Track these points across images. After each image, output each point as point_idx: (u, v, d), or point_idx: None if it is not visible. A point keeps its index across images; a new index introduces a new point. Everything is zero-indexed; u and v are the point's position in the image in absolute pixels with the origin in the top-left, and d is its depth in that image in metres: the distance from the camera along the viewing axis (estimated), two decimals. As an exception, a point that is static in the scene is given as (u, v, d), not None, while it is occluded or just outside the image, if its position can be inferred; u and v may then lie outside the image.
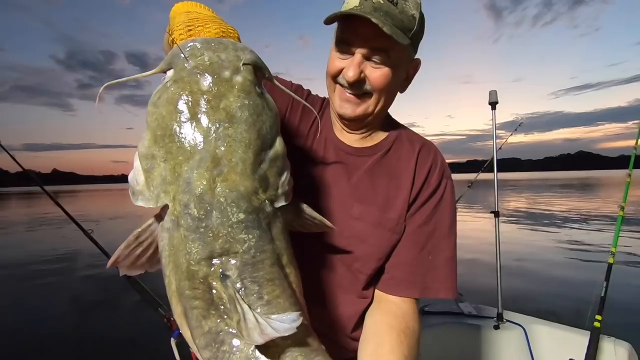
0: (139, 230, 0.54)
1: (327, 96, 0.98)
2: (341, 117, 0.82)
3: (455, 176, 0.98)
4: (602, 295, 1.82)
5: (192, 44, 0.51)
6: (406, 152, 0.87)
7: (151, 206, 0.50)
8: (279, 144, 0.54)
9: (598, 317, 1.77)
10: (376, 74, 0.75)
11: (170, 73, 0.51)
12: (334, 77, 0.79)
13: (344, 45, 0.75)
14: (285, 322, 0.44)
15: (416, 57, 0.81)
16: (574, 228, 10.21)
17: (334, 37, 0.78)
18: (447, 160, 0.91)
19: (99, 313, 4.71)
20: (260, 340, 0.42)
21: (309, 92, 0.95)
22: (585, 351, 1.73)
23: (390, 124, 0.91)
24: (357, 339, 0.82)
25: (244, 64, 0.51)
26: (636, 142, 1.99)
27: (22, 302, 5.19)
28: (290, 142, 0.73)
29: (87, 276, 6.48)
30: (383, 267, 0.84)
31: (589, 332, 1.78)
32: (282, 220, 0.55)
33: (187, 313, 0.50)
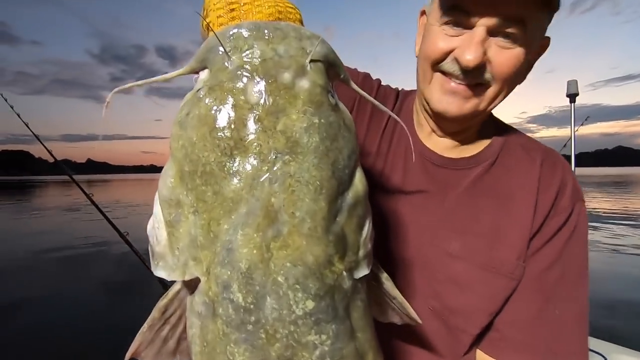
0: (164, 302, 0.38)
1: (400, 87, 0.76)
2: (438, 115, 0.61)
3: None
4: None
5: (235, 31, 0.34)
6: (521, 165, 0.64)
7: (176, 279, 0.34)
8: (359, 180, 0.37)
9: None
10: (504, 56, 0.53)
11: (204, 75, 0.35)
12: (436, 63, 0.57)
13: (458, 14, 0.52)
14: None
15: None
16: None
17: (435, 4, 0.56)
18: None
19: (127, 297, 4.82)
20: None
21: (379, 82, 0.74)
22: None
23: (493, 124, 0.68)
24: None
25: (312, 61, 0.33)
26: None
27: (56, 285, 5.36)
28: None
29: (118, 261, 6.63)
30: (492, 322, 0.62)
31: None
32: (362, 295, 0.38)
33: None
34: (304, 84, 0.33)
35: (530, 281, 0.59)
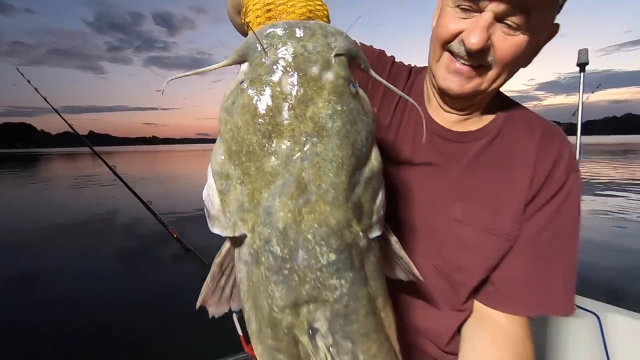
0: (219, 258, 0.48)
1: (412, 64, 0.82)
2: (442, 92, 0.67)
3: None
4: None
5: (271, 30, 0.40)
6: (522, 138, 0.70)
7: (228, 235, 0.43)
8: (374, 158, 0.44)
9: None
10: (507, 43, 0.57)
11: (244, 67, 0.42)
12: (446, 43, 0.62)
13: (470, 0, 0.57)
14: None
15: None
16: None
17: None
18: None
19: (140, 264, 5.01)
20: None
21: (392, 59, 0.79)
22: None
23: (499, 101, 0.74)
24: (452, 353, 0.74)
25: (336, 55, 0.40)
26: None
27: (71, 255, 5.53)
28: None
29: (129, 230, 6.84)
30: (488, 277, 0.71)
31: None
32: (375, 252, 0.46)
33: None
34: (329, 76, 0.39)
35: (524, 242, 0.67)
